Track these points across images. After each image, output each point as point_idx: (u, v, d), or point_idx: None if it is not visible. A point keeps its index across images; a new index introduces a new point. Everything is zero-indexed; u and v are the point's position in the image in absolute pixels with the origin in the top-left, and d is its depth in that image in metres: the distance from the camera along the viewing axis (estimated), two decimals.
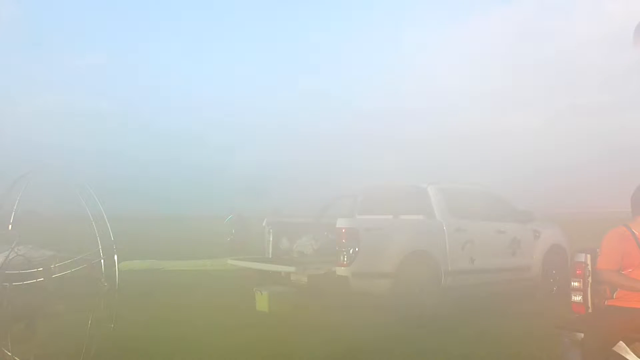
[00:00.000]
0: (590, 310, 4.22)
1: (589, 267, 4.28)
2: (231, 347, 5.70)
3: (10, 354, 4.21)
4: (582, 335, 3.80)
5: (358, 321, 6.86)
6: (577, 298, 4.29)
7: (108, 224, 4.47)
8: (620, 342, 3.73)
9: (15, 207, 4.72)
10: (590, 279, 4.26)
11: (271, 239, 8.38)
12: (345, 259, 6.80)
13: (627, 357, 3.71)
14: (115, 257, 4.43)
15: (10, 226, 4.70)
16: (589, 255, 4.32)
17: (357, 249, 6.79)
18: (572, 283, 4.35)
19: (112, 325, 4.40)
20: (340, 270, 6.82)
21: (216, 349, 5.63)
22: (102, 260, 4.39)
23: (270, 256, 8.34)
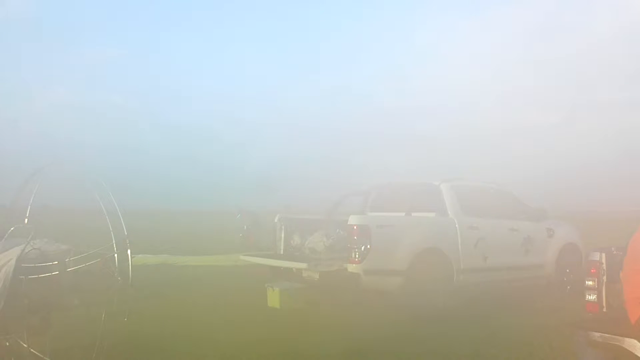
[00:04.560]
0: (605, 310, 4.17)
1: (604, 266, 4.23)
2: (242, 344, 5.72)
3: (26, 345, 4.27)
4: (597, 334, 3.76)
5: (369, 318, 6.85)
6: (592, 297, 4.25)
7: (122, 219, 4.51)
8: (634, 340, 3.68)
9: (30, 201, 4.77)
10: (605, 278, 4.21)
11: (283, 235, 8.39)
12: (357, 256, 6.79)
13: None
14: (129, 251, 4.46)
15: (26, 220, 4.76)
16: (604, 254, 4.28)
17: (368, 246, 6.78)
18: (587, 282, 4.31)
19: (125, 319, 4.44)
20: (352, 267, 6.81)
21: (227, 345, 5.65)
22: (116, 255, 4.42)
23: (281, 252, 8.35)
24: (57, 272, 4.26)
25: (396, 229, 7.20)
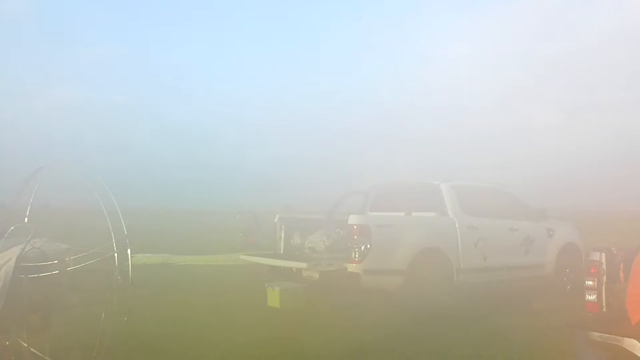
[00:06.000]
0: (605, 310, 4.17)
1: (604, 266, 4.23)
2: (242, 343, 5.72)
3: (26, 344, 4.27)
4: (597, 334, 3.76)
5: (369, 318, 6.85)
6: (591, 297, 4.25)
7: (122, 218, 4.51)
8: (633, 340, 3.68)
9: (30, 201, 4.77)
10: (605, 278, 4.21)
11: (283, 235, 8.39)
12: (357, 256, 6.79)
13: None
14: (129, 251, 4.46)
15: (26, 219, 4.76)
16: (603, 254, 4.28)
17: (368, 246, 6.78)
18: (587, 282, 4.31)
19: (125, 319, 4.44)
20: (352, 267, 6.81)
21: (228, 345, 5.65)
22: (116, 254, 4.42)
23: (281, 252, 8.36)
24: (57, 272, 4.26)
25: (396, 228, 7.20)
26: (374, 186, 9.30)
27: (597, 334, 3.89)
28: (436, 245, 7.39)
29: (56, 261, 4.33)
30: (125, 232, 4.47)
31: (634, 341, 3.68)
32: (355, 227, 6.88)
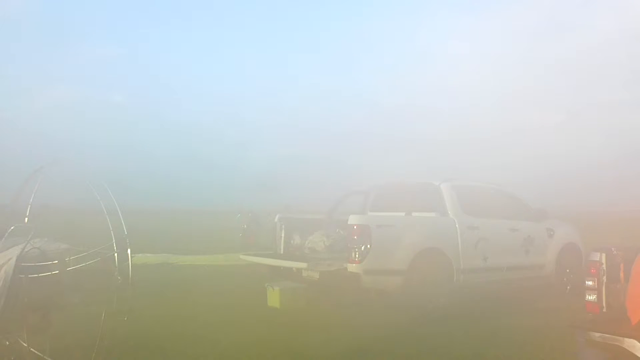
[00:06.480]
0: (605, 310, 4.17)
1: (604, 266, 4.23)
2: (242, 343, 5.72)
3: (25, 344, 4.27)
4: (597, 334, 3.76)
5: (369, 318, 6.85)
6: (592, 297, 4.25)
7: (122, 218, 4.50)
8: (634, 340, 3.68)
9: (31, 201, 4.77)
10: (605, 278, 4.21)
11: (283, 235, 8.40)
12: (357, 256, 6.79)
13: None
14: (129, 250, 4.45)
15: (26, 219, 4.76)
16: (604, 254, 4.28)
17: (368, 246, 6.78)
18: (587, 282, 4.31)
19: (125, 318, 4.44)
20: (352, 267, 6.81)
21: (228, 345, 5.65)
22: (116, 254, 4.42)
23: (281, 252, 8.36)
24: (57, 271, 4.26)
25: (396, 229, 7.20)
26: (374, 186, 9.30)
27: (597, 334, 3.89)
28: (436, 245, 7.39)
29: (56, 261, 4.33)
30: (125, 232, 4.47)
31: (634, 341, 3.68)
32: (355, 227, 6.88)
